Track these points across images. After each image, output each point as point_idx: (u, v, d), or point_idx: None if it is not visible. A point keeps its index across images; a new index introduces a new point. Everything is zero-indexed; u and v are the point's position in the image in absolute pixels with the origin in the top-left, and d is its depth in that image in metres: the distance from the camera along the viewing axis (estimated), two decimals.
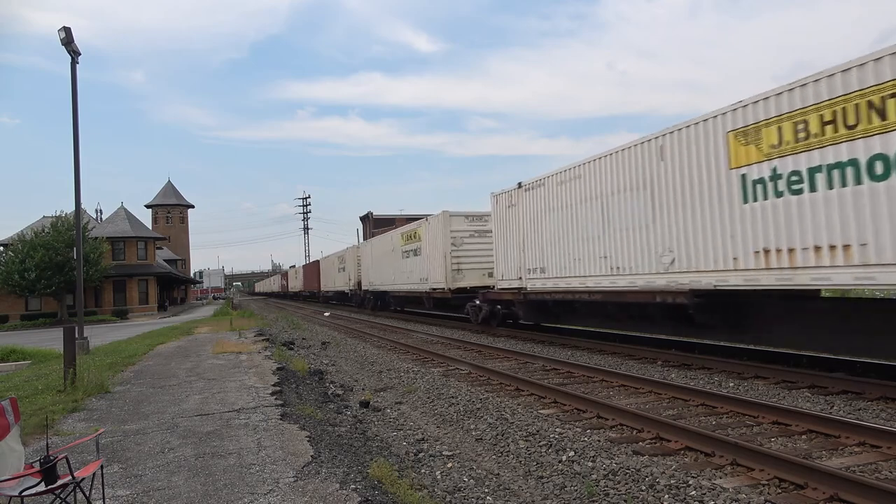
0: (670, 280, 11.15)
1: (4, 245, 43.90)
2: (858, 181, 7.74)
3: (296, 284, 69.14)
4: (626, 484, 5.27)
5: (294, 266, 72.19)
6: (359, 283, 36.02)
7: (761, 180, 9.17)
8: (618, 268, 12.54)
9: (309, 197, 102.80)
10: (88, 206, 62.91)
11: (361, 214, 78.50)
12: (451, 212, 22.07)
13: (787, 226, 8.75)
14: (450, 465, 6.27)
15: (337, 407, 9.05)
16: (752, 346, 11.26)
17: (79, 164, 17.05)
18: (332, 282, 44.27)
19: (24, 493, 3.74)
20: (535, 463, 6.08)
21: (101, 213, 63.68)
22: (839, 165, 7.98)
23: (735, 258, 9.66)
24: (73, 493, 3.98)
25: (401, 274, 27.47)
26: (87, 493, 4.18)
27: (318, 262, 52.16)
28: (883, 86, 7.39)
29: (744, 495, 4.85)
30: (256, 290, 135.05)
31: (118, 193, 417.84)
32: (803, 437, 6.38)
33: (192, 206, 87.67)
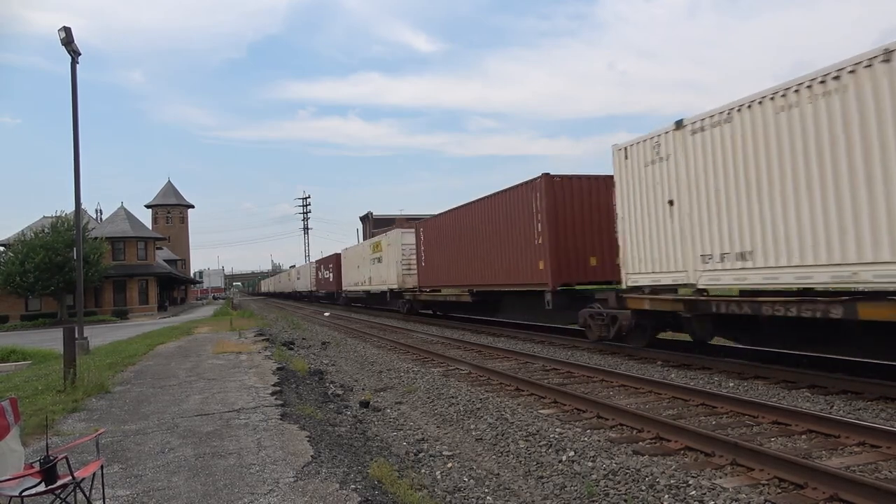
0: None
1: (5, 245, 43.89)
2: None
3: (375, 276, 31.76)
4: (626, 484, 5.27)
5: (388, 232, 30.37)
6: None
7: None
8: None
9: (309, 197, 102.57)
10: (88, 207, 62.76)
11: (361, 214, 78.68)
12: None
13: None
14: (450, 465, 6.27)
15: (337, 407, 9.05)
16: (747, 347, 11.27)
17: (79, 164, 17.07)
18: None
19: (24, 494, 3.74)
20: (535, 463, 6.08)
21: (101, 214, 63.65)
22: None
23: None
24: (73, 494, 3.98)
25: None
26: (88, 494, 4.18)
27: (490, 197, 18.68)
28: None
29: (744, 495, 4.84)
30: (262, 289, 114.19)
31: (118, 193, 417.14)
32: (803, 436, 6.38)
33: (192, 206, 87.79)
